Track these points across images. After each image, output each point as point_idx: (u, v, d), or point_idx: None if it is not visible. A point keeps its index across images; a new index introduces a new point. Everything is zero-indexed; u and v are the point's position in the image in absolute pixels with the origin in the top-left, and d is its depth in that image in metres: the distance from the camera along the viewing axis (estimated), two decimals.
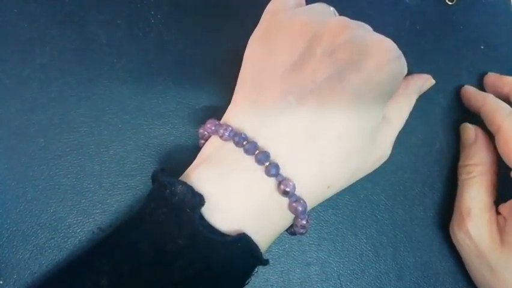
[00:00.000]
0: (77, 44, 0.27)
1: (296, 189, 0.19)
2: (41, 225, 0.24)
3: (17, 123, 0.25)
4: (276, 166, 0.19)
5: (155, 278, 0.18)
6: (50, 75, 0.26)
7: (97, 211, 0.25)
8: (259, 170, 0.19)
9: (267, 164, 0.19)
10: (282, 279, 0.26)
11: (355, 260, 0.26)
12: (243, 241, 0.19)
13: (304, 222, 0.20)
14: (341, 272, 0.26)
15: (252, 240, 0.19)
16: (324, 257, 0.26)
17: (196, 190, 0.19)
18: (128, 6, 0.28)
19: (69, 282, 0.19)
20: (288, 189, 0.19)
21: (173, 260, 0.18)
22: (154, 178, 0.21)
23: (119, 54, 0.27)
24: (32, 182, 0.25)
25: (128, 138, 0.26)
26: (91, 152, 0.25)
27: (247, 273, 0.20)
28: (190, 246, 0.18)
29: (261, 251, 0.20)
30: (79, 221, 0.24)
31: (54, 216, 0.24)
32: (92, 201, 0.25)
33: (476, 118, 0.29)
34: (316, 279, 0.26)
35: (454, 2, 0.30)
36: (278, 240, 0.26)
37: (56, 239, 0.24)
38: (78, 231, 0.24)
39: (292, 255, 0.26)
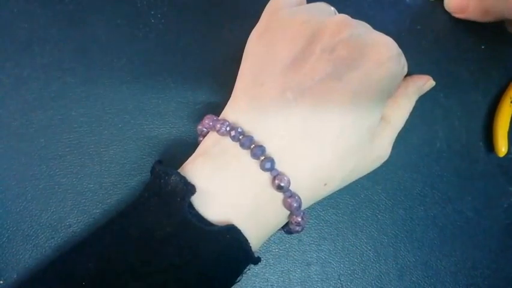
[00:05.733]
0: (77, 44, 0.27)
1: (291, 185, 0.19)
2: (41, 225, 0.24)
3: (17, 123, 0.25)
4: (271, 160, 0.19)
5: (142, 264, 0.18)
6: (50, 75, 0.26)
7: (97, 211, 0.25)
8: (254, 164, 0.19)
9: (262, 158, 0.19)
10: (282, 279, 0.26)
11: (355, 260, 0.26)
12: (231, 232, 0.19)
13: (299, 219, 0.20)
14: (341, 272, 0.26)
15: (240, 232, 0.19)
16: (325, 257, 0.26)
17: (188, 181, 0.19)
18: (128, 6, 0.28)
19: (59, 267, 0.20)
20: (282, 184, 0.19)
21: (161, 246, 0.18)
22: (152, 170, 0.21)
23: (119, 54, 0.27)
24: (32, 182, 0.25)
25: (128, 138, 0.26)
26: (91, 152, 0.25)
27: (237, 268, 0.20)
28: (178, 234, 0.18)
29: (253, 246, 0.20)
30: (79, 220, 0.24)
31: (54, 216, 0.24)
32: (92, 201, 0.25)
33: (476, 118, 0.29)
34: (316, 279, 0.26)
35: None
36: (278, 240, 0.26)
37: (56, 238, 0.24)
38: (78, 231, 0.24)
39: (293, 255, 0.26)
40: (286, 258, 0.26)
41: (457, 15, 0.29)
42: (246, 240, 0.19)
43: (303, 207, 0.21)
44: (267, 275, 0.25)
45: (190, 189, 0.19)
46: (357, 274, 0.26)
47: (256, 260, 0.20)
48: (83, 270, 0.19)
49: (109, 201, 0.25)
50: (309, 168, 0.20)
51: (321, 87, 0.20)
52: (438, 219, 0.28)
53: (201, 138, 0.22)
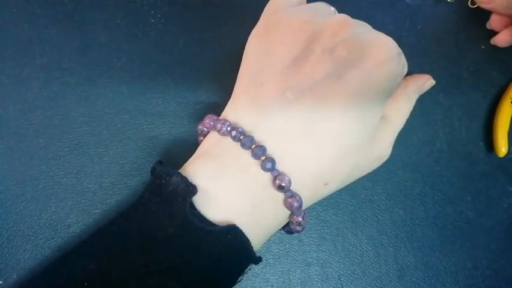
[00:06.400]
0: (77, 44, 0.27)
1: (292, 185, 0.19)
2: (40, 225, 0.24)
3: (17, 123, 0.25)
4: (272, 161, 0.19)
5: (144, 265, 0.18)
6: (50, 75, 0.26)
7: (97, 211, 0.25)
8: (255, 164, 0.19)
9: (263, 158, 0.19)
10: (282, 279, 0.25)
11: (355, 260, 0.26)
12: (232, 232, 0.19)
13: (300, 219, 0.20)
14: (341, 272, 0.26)
15: (242, 232, 0.19)
16: (325, 257, 0.26)
17: (190, 181, 0.19)
18: (128, 6, 0.28)
19: (59, 268, 0.20)
20: (283, 184, 0.19)
21: (162, 247, 0.18)
22: (153, 170, 0.21)
23: (119, 54, 0.27)
24: (32, 182, 0.25)
25: (128, 138, 0.26)
26: (90, 152, 0.25)
27: (239, 268, 0.20)
28: (179, 235, 0.18)
29: (254, 246, 0.20)
30: (78, 221, 0.24)
31: (54, 216, 0.24)
32: (92, 201, 0.25)
33: (476, 118, 0.29)
34: (316, 280, 0.26)
35: (453, 2, 0.30)
36: (278, 240, 0.26)
37: (56, 239, 0.24)
38: (78, 231, 0.24)
39: (293, 256, 0.26)
40: (286, 259, 0.26)
41: (483, 6, 0.29)
42: (248, 240, 0.19)
43: (304, 207, 0.21)
44: (267, 275, 0.25)
45: (192, 189, 0.19)
46: (357, 274, 0.26)
47: (258, 260, 0.20)
48: (84, 271, 0.19)
49: (108, 201, 0.25)
50: (310, 168, 0.20)
51: (321, 87, 0.20)
52: (438, 220, 0.28)
53: (202, 138, 0.22)
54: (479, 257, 0.28)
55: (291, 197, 0.20)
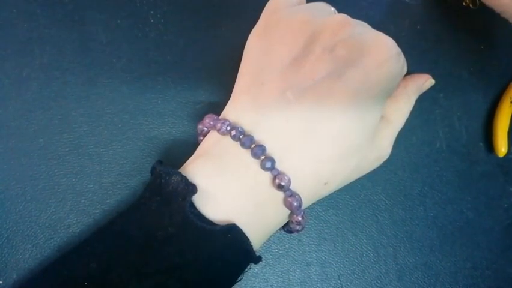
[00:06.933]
0: (77, 44, 0.27)
1: (292, 184, 0.19)
2: (40, 225, 0.24)
3: (16, 123, 0.25)
4: (272, 160, 0.19)
5: (144, 264, 0.18)
6: (50, 75, 0.26)
7: (97, 211, 0.25)
8: (255, 163, 0.19)
9: (262, 157, 0.19)
10: (282, 279, 0.25)
11: (355, 260, 0.26)
12: (232, 232, 0.19)
13: (299, 218, 0.20)
14: (341, 272, 0.26)
15: (242, 232, 0.19)
16: (324, 257, 0.26)
17: (189, 181, 0.19)
18: (128, 6, 0.28)
19: (60, 268, 0.20)
20: (283, 184, 0.19)
21: (162, 246, 0.18)
22: (152, 170, 0.21)
23: (119, 54, 0.27)
24: (32, 182, 0.25)
25: (128, 138, 0.26)
26: (90, 152, 0.25)
27: (238, 268, 0.20)
28: (179, 234, 0.18)
29: (254, 246, 0.20)
30: (78, 221, 0.24)
31: (53, 217, 0.24)
32: (92, 201, 0.25)
33: (476, 118, 0.29)
34: (316, 280, 0.26)
35: (453, 2, 0.30)
36: (278, 240, 0.26)
37: (55, 239, 0.24)
38: (78, 231, 0.24)
39: (293, 256, 0.26)
40: (286, 259, 0.26)
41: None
42: (247, 240, 0.19)
43: (304, 206, 0.21)
44: (266, 275, 0.25)
45: (192, 189, 0.19)
46: (357, 274, 0.26)
47: (257, 260, 0.20)
48: (85, 271, 0.19)
49: (108, 201, 0.25)
50: (310, 167, 0.20)
51: (321, 87, 0.20)
52: (438, 220, 0.28)
53: (201, 138, 0.22)
54: (479, 257, 0.28)
55: (290, 196, 0.20)
